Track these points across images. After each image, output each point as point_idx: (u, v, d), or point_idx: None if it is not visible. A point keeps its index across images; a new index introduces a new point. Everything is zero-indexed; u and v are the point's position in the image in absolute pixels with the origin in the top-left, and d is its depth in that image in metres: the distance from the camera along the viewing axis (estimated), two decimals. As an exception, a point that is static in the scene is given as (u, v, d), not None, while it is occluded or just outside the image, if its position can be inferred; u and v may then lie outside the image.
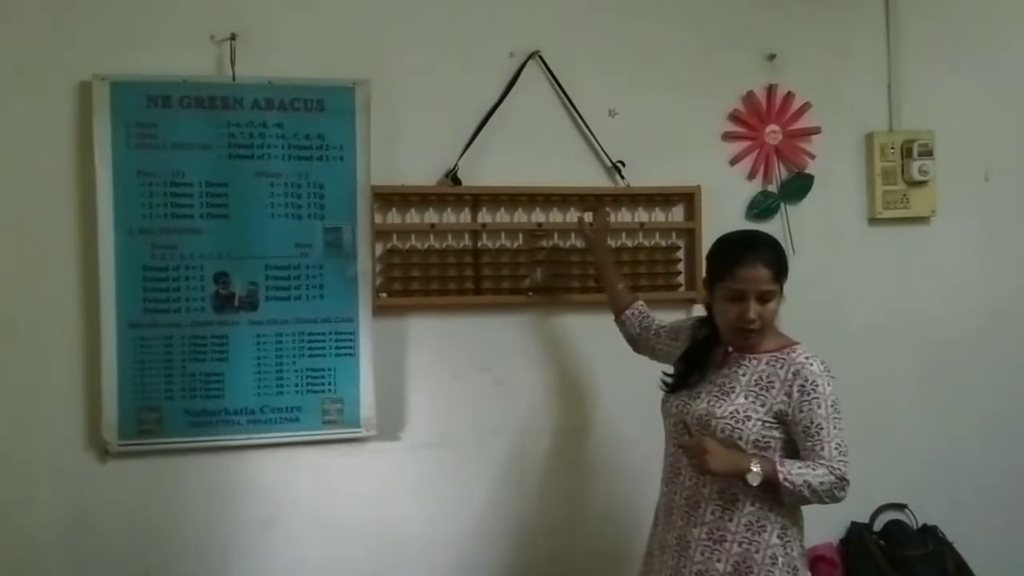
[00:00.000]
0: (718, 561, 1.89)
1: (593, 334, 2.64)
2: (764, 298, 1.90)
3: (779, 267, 1.93)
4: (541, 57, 2.61)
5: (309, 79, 2.42)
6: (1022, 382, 3.02)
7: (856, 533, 2.85)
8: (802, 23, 2.84)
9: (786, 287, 1.96)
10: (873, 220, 2.90)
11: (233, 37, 2.39)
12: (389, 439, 2.52)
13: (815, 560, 2.75)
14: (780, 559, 1.87)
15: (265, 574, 2.46)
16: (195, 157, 2.35)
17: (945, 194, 2.92)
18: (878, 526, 2.89)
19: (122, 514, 2.38)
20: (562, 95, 2.63)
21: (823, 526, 2.81)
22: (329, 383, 2.44)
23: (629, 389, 2.50)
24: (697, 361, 2.03)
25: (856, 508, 2.86)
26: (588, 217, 2.52)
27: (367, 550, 2.51)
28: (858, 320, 2.89)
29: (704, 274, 2.04)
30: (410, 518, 2.55)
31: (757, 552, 1.87)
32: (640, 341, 2.30)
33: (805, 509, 1.94)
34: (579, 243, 2.63)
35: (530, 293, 2.60)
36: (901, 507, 2.91)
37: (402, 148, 2.52)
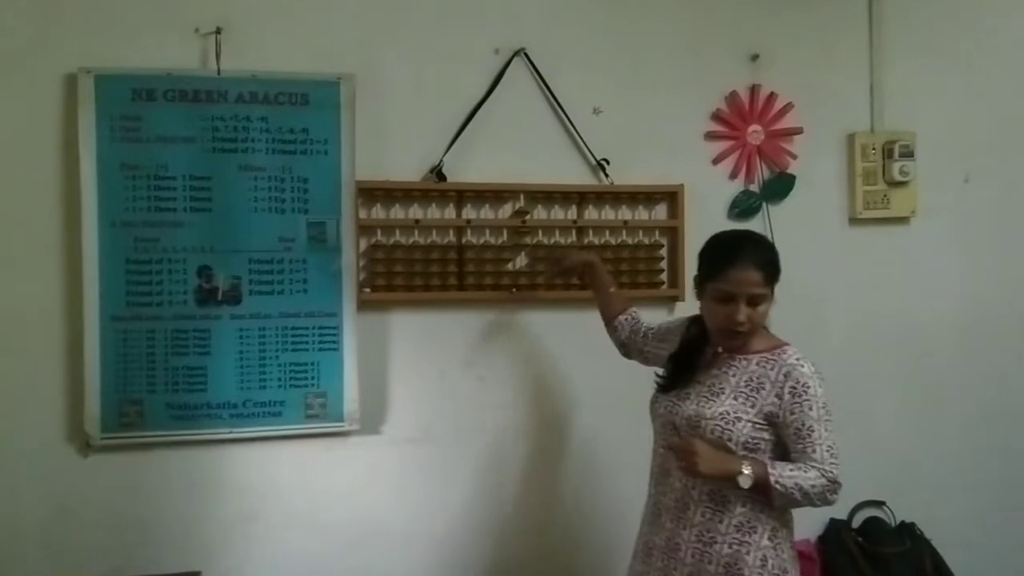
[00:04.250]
0: (708, 563, 1.87)
1: (577, 331, 2.65)
2: (754, 301, 1.86)
3: (771, 270, 1.88)
4: (526, 54, 2.62)
5: (294, 73, 2.42)
6: (1000, 382, 3.05)
7: (834, 530, 2.87)
8: (785, 24, 2.86)
9: (777, 289, 1.91)
10: (854, 220, 2.93)
11: (218, 31, 2.39)
12: (372, 434, 2.53)
13: (793, 556, 2.78)
14: (770, 560, 1.86)
15: (246, 567, 2.46)
16: (179, 150, 2.35)
17: (925, 195, 2.94)
18: (856, 523, 2.91)
19: (103, 507, 2.37)
20: (547, 92, 2.64)
21: (801, 522, 2.76)
22: (312, 377, 2.44)
23: (613, 386, 2.51)
24: (687, 361, 2.00)
25: (835, 505, 2.89)
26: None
27: (349, 544, 2.52)
28: (838, 319, 2.92)
29: (696, 272, 1.98)
30: (392, 513, 2.56)
31: (748, 554, 1.85)
32: (630, 346, 2.26)
33: (788, 507, 1.91)
34: (563, 240, 2.66)
35: (514, 289, 2.60)
36: (879, 504, 2.94)
37: (387, 143, 2.52)
